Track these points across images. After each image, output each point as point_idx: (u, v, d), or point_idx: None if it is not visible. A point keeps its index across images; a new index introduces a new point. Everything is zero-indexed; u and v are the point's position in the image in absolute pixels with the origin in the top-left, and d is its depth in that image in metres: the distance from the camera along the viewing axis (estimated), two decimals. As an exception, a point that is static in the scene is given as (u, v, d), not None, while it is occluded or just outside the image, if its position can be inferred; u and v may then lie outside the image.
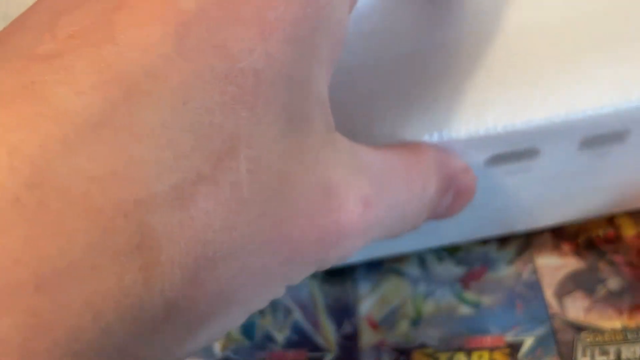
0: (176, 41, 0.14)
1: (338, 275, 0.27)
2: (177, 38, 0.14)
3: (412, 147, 0.21)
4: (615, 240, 0.28)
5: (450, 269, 0.27)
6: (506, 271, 0.27)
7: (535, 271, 0.27)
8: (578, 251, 0.27)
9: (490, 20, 0.24)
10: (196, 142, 0.14)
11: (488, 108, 0.22)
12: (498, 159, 0.23)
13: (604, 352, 0.25)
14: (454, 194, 0.22)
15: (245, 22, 0.15)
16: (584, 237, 0.28)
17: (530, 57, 0.23)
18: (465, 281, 0.27)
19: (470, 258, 0.28)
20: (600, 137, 0.23)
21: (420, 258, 0.28)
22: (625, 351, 0.25)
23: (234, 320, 0.16)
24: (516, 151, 0.23)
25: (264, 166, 0.15)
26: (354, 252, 0.18)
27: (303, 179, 0.16)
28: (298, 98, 0.16)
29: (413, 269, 0.27)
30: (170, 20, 0.14)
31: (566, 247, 0.28)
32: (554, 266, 0.27)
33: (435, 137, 0.22)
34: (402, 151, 0.20)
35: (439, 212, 0.22)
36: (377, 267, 0.28)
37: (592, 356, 0.25)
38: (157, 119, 0.13)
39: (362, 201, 0.17)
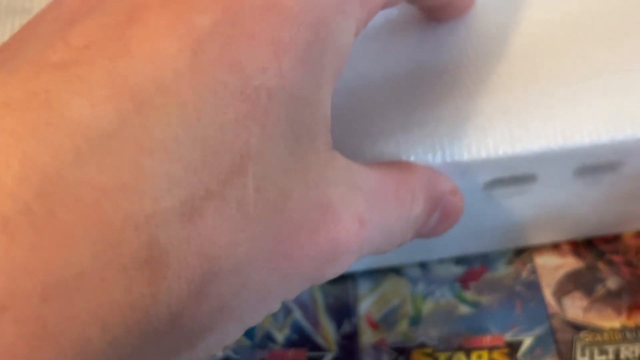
0: (191, 57, 0.14)
1: (338, 275, 0.27)
2: (192, 54, 0.14)
3: (402, 165, 0.21)
4: (614, 240, 0.28)
5: (449, 269, 0.27)
6: (505, 271, 0.27)
7: (534, 271, 0.27)
8: (577, 251, 0.27)
9: (493, 44, 0.24)
10: (207, 158, 0.14)
11: (489, 133, 0.22)
12: (497, 183, 0.23)
13: (603, 352, 0.25)
14: (440, 215, 0.22)
15: (260, 40, 0.15)
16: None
17: (531, 83, 0.23)
18: (464, 281, 0.27)
19: (469, 258, 0.28)
20: (595, 166, 0.23)
21: (420, 258, 0.28)
22: (624, 351, 0.25)
23: (231, 335, 0.16)
24: (514, 176, 0.23)
25: (270, 183, 0.15)
26: (346, 269, 0.18)
27: (304, 197, 0.16)
28: (306, 117, 0.16)
29: (412, 269, 0.27)
30: (185, 36, 0.14)
31: (565, 246, 0.28)
32: (553, 266, 0.27)
33: (438, 158, 0.22)
34: (392, 169, 0.20)
35: (425, 232, 0.22)
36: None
37: (591, 356, 0.25)
38: (170, 133, 0.13)
39: (357, 219, 0.17)
